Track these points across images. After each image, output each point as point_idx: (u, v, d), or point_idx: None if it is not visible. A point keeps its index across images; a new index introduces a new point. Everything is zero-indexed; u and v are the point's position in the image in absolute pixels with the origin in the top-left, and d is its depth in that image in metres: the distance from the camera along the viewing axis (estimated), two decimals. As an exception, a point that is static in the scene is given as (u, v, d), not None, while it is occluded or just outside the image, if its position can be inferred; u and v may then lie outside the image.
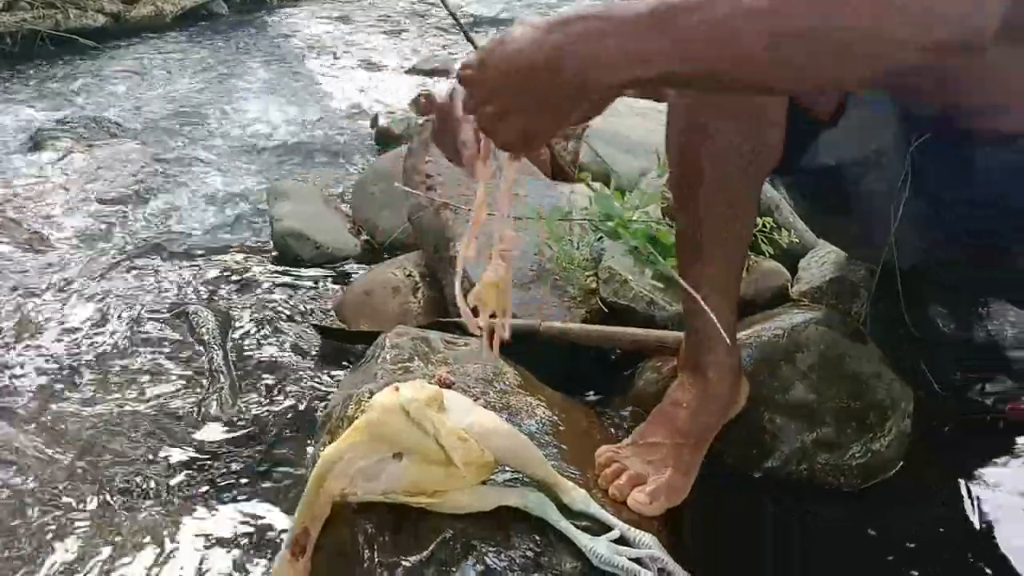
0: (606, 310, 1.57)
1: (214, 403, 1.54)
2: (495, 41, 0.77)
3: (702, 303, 1.07)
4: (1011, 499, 1.26)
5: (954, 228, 1.14)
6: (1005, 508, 1.23)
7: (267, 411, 1.53)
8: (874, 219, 1.19)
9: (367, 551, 0.93)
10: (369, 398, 1.19)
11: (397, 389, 0.96)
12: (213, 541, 1.23)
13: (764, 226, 1.54)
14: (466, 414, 1.01)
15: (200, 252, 2.20)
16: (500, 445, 0.99)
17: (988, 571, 1.13)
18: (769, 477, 1.25)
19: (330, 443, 1.10)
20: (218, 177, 2.76)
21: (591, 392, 1.51)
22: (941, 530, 1.20)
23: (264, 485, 1.34)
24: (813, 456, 1.24)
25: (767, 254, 1.57)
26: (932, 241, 1.18)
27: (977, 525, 1.21)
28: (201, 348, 1.72)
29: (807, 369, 1.28)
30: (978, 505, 1.24)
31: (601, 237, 1.70)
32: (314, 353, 1.71)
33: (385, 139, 3.18)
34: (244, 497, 1.32)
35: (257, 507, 1.30)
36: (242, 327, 1.81)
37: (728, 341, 1.15)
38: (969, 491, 1.27)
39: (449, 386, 1.15)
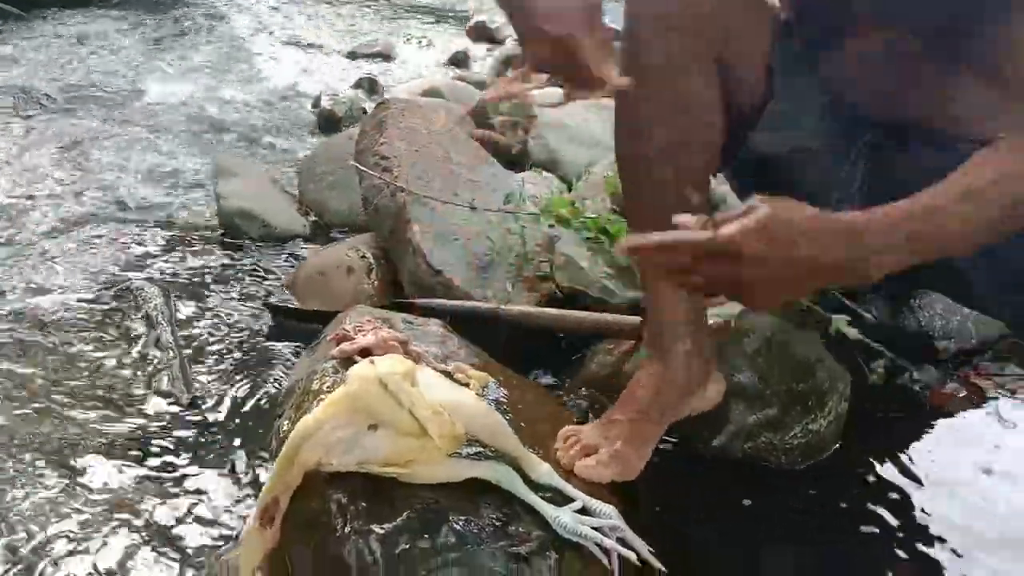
0: (560, 295, 1.61)
1: (164, 380, 1.52)
2: (778, 219, 0.82)
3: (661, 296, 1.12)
4: (934, 477, 1.35)
5: None
6: (930, 486, 1.32)
7: (217, 388, 1.52)
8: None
9: (340, 520, 0.95)
10: (334, 372, 1.21)
11: (373, 362, 0.98)
12: (166, 518, 1.22)
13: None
14: (438, 388, 1.03)
15: (143, 228, 2.16)
16: (472, 419, 1.02)
17: (916, 543, 1.21)
18: (717, 455, 1.31)
19: (297, 416, 1.12)
20: (159, 153, 2.70)
21: (545, 374, 1.55)
22: (872, 506, 1.28)
23: (216, 461, 1.33)
24: (757, 435, 1.31)
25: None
26: None
27: (905, 501, 1.30)
28: (148, 325, 1.69)
29: (753, 353, 1.34)
30: (905, 483, 1.33)
31: (553, 225, 1.74)
32: (264, 331, 1.70)
33: (327, 121, 3.16)
34: (196, 473, 1.31)
35: (209, 483, 1.29)
36: (190, 304, 1.79)
37: (682, 330, 1.18)
38: (897, 470, 1.35)
39: (404, 345, 1.17)
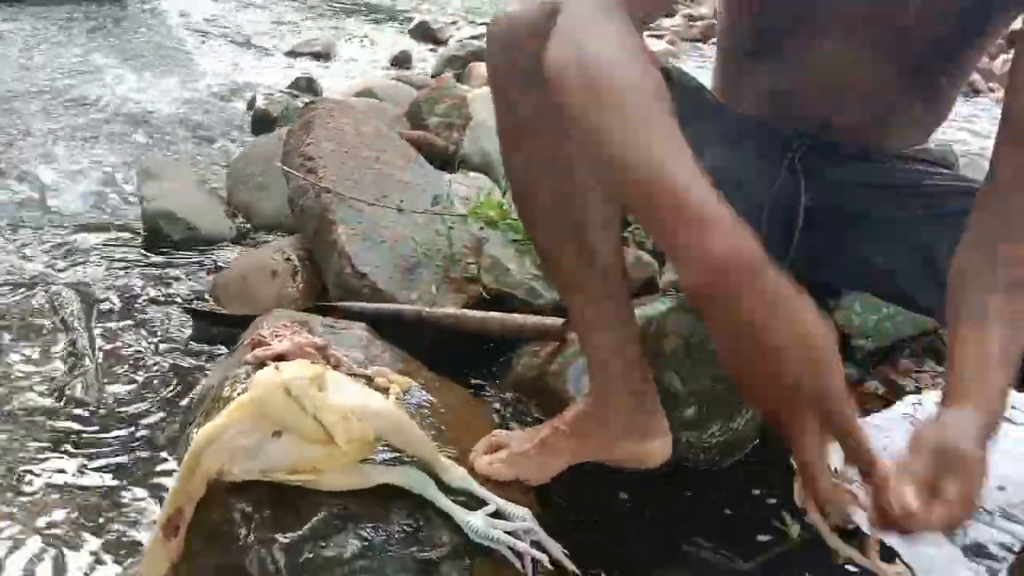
0: (487, 297, 1.60)
1: (78, 387, 1.48)
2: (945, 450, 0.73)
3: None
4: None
5: (820, 234, 1.22)
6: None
7: (134, 394, 1.48)
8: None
9: (243, 529, 0.92)
10: (246, 378, 1.18)
11: (279, 368, 0.96)
12: (78, 526, 1.18)
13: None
14: (348, 393, 1.02)
15: (63, 230, 2.09)
16: (382, 423, 1.00)
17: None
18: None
19: (206, 423, 1.09)
20: (84, 154, 2.63)
21: (470, 376, 1.54)
22: (791, 502, 1.29)
23: (130, 469, 1.30)
24: (677, 435, 1.32)
25: (637, 244, 1.65)
26: (797, 243, 1.25)
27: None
28: (64, 330, 1.64)
29: (671, 353, 1.36)
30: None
31: (482, 227, 1.74)
32: (185, 336, 1.66)
33: (262, 122, 3.11)
34: (110, 480, 1.27)
35: (123, 491, 1.26)
36: (108, 308, 1.74)
37: (620, 372, 1.11)
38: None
39: (322, 350, 1.15)
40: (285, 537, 0.91)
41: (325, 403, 0.95)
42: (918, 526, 0.69)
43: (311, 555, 0.90)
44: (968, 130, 3.69)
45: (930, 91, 1.16)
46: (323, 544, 0.92)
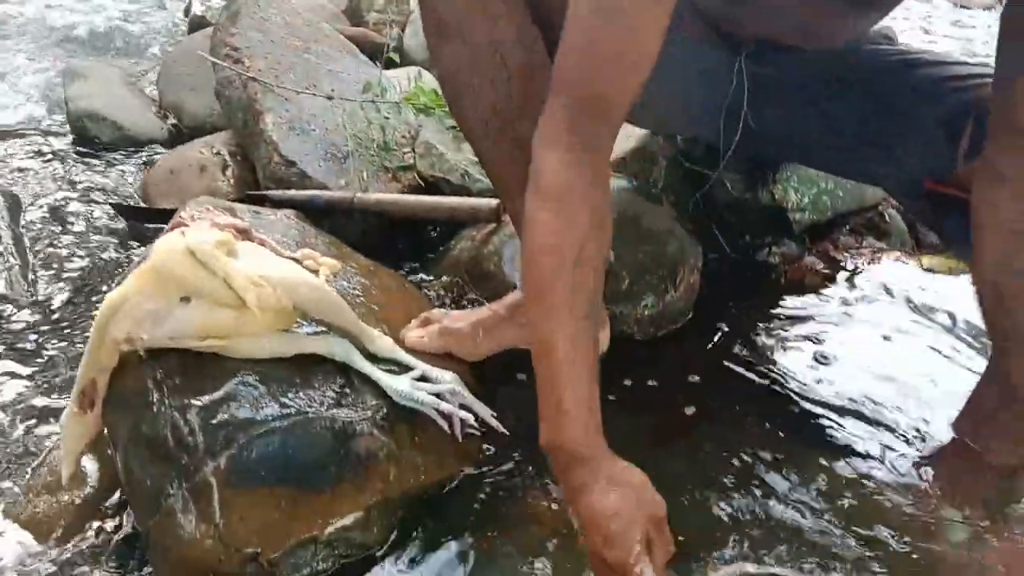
0: (423, 184, 1.57)
1: (1, 283, 1.43)
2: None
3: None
4: (784, 346, 1.38)
5: (766, 112, 1.22)
6: (781, 353, 1.35)
7: (59, 290, 1.45)
8: (688, 111, 1.26)
9: (156, 395, 0.91)
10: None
11: (183, 233, 0.93)
12: (4, 415, 1.16)
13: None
14: (263, 262, 0.99)
15: (-11, 134, 2.01)
16: (301, 294, 0.98)
17: (764, 409, 1.23)
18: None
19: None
20: (9, 58, 2.51)
21: (408, 265, 1.52)
22: (720, 374, 1.30)
23: (55, 361, 1.27)
24: (611, 307, 1.31)
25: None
26: (744, 121, 1.25)
27: (755, 366, 1.32)
28: (-13, 231, 1.59)
29: (606, 229, 1.34)
30: (756, 351, 1.36)
31: (417, 115, 1.69)
32: (113, 234, 1.62)
33: (199, 28, 2.98)
34: (37, 373, 1.25)
35: (51, 381, 1.24)
36: (35, 208, 1.68)
37: None
38: (749, 340, 1.38)
39: (245, 233, 1.12)
40: (199, 400, 0.90)
41: (234, 268, 0.92)
42: None
43: (226, 416, 0.89)
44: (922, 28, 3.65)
45: None
46: (239, 406, 0.90)
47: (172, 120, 2.10)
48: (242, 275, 0.92)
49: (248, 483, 0.87)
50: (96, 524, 0.99)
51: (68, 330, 1.34)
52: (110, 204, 1.67)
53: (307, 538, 0.87)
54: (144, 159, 1.94)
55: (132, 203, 1.71)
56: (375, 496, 0.92)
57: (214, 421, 0.88)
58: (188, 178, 1.67)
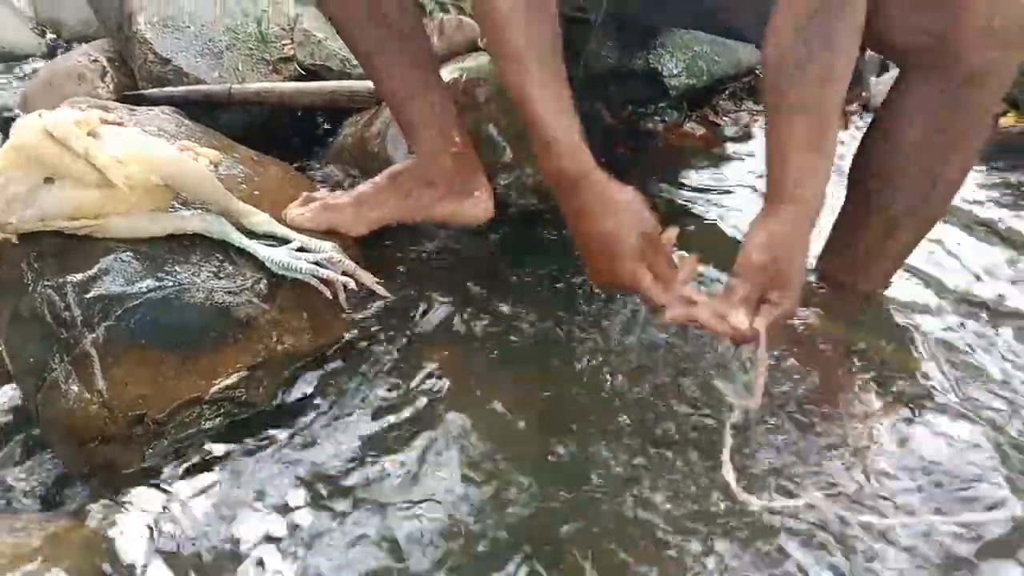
0: (304, 73, 1.57)
1: None
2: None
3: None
4: (662, 210, 1.44)
5: None
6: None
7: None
8: None
9: (32, 275, 0.93)
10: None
11: (40, 114, 0.93)
12: None
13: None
14: (129, 142, 1.00)
15: None
16: (171, 172, 1.00)
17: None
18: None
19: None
20: None
21: (295, 157, 1.52)
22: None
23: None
24: (495, 178, 1.35)
25: (459, 10, 1.62)
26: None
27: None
28: None
29: (485, 101, 1.37)
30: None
31: (298, 3, 1.68)
32: (-4, 149, 1.58)
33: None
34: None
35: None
36: (-93, 131, 1.63)
37: (431, 130, 1.17)
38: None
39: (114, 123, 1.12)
40: (74, 277, 0.92)
41: (95, 146, 0.93)
42: (748, 336, 0.89)
43: (101, 290, 0.91)
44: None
45: None
46: (113, 280, 0.93)
47: (51, 34, 2.03)
48: (104, 153, 0.93)
49: (128, 351, 0.90)
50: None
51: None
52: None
53: (192, 398, 0.92)
54: (22, 73, 1.88)
55: (8, 114, 1.67)
56: (257, 357, 0.97)
57: (89, 295, 0.91)
58: (66, 87, 1.64)
